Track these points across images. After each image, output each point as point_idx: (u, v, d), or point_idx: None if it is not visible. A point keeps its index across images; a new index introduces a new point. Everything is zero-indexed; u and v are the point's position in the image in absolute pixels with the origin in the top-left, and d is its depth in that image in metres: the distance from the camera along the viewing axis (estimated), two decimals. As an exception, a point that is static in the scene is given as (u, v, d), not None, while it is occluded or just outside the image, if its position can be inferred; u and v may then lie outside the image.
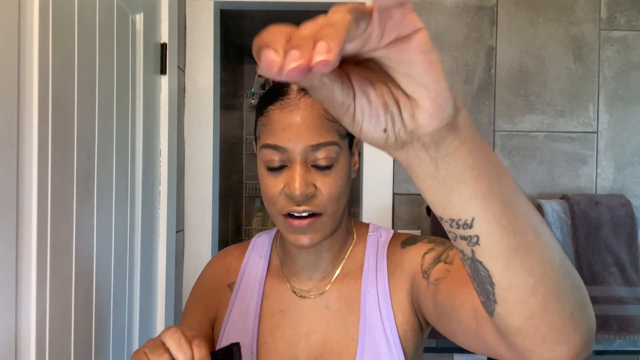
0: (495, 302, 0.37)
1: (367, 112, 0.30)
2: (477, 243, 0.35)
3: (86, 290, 0.86)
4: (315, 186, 0.62)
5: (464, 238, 0.35)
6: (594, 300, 1.29)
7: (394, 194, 1.46)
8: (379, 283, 0.70)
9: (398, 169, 1.47)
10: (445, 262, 0.60)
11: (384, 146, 0.32)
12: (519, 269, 0.35)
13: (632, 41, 1.47)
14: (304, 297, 0.72)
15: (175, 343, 0.51)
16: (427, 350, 1.41)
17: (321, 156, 0.61)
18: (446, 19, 1.47)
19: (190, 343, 0.52)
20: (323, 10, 1.93)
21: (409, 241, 0.71)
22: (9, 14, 0.63)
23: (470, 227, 0.34)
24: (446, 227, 0.36)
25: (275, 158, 0.62)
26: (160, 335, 0.53)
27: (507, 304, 0.37)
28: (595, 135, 1.47)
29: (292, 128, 0.61)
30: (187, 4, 1.47)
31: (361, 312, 0.68)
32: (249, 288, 0.75)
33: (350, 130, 0.31)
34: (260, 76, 3.14)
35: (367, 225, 0.78)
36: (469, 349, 0.52)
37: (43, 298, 0.71)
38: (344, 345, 0.68)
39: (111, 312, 0.97)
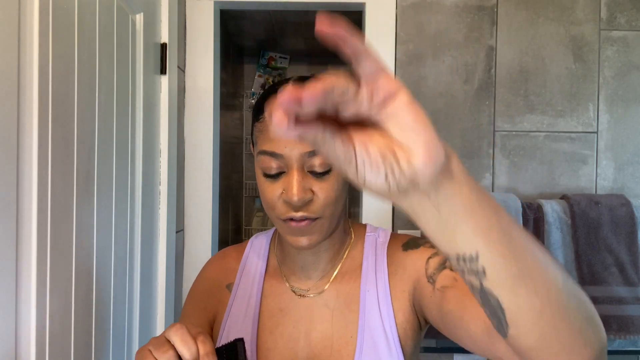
0: (507, 325, 0.39)
1: (367, 164, 0.33)
2: (483, 274, 0.37)
3: (86, 290, 0.86)
4: (312, 192, 0.63)
5: (471, 271, 0.38)
6: (594, 300, 1.29)
7: (394, 194, 1.46)
8: (379, 282, 0.70)
9: (398, 169, 1.46)
10: (451, 269, 0.62)
11: (388, 195, 0.34)
12: (525, 293, 0.37)
13: (632, 41, 1.47)
14: (303, 296, 0.73)
15: (180, 339, 0.51)
16: (427, 350, 1.41)
17: (317, 162, 0.62)
18: (446, 19, 1.47)
19: (195, 339, 0.52)
20: (323, 10, 1.93)
21: (411, 244, 0.72)
22: (9, 14, 0.63)
23: (476, 260, 0.37)
24: (454, 263, 0.38)
25: (273, 165, 0.63)
26: (164, 332, 0.53)
27: (518, 327, 0.39)
28: (595, 135, 1.47)
29: None
30: (187, 4, 1.47)
31: (360, 311, 0.69)
32: (248, 288, 0.76)
33: (356, 182, 0.34)
34: (260, 76, 3.15)
35: (364, 225, 0.79)
36: (475, 354, 0.54)
37: (43, 298, 0.71)
38: (344, 343, 0.68)
39: (111, 312, 0.97)
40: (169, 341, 0.52)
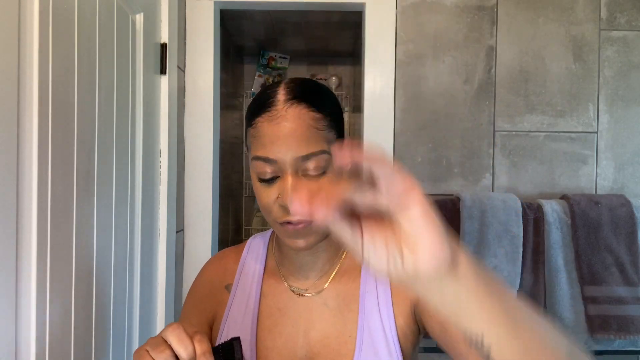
0: None
1: (372, 250, 0.35)
2: (489, 350, 0.39)
3: (86, 290, 0.86)
4: None
5: (477, 345, 0.40)
6: (594, 300, 1.29)
7: (394, 194, 1.46)
8: (380, 286, 0.71)
9: (398, 169, 1.47)
10: None
11: (392, 279, 0.36)
12: None
13: (632, 41, 1.47)
14: (301, 295, 0.73)
15: (176, 339, 0.51)
16: (428, 350, 1.41)
17: (311, 166, 0.62)
18: (446, 19, 1.47)
19: (191, 338, 0.52)
20: (323, 10, 1.91)
21: None
22: (9, 14, 0.63)
23: (482, 339, 0.39)
24: (461, 333, 0.40)
25: (267, 170, 0.63)
26: (161, 332, 0.53)
27: None
28: (595, 135, 1.47)
29: (280, 140, 0.61)
30: (187, 4, 1.47)
31: (360, 311, 0.69)
32: (247, 288, 0.76)
33: (360, 262, 0.35)
34: (260, 76, 3.15)
35: None
36: None
37: (43, 298, 0.71)
38: (342, 342, 0.69)
39: (111, 312, 0.97)
40: (166, 341, 0.52)
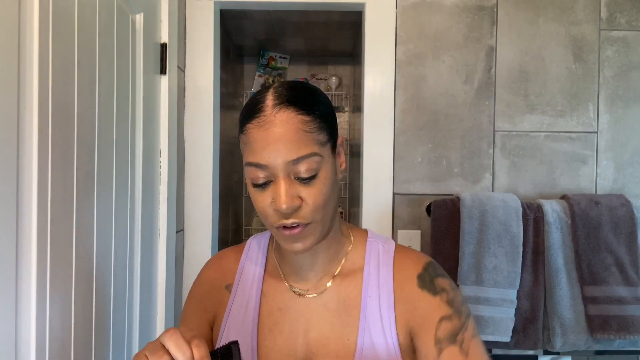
0: None
1: None
2: None
3: (86, 290, 0.86)
4: (300, 198, 0.63)
5: None
6: (594, 300, 1.29)
7: (394, 194, 1.46)
8: (382, 291, 0.71)
9: (398, 169, 1.47)
10: (461, 347, 0.64)
11: None
12: None
13: (632, 41, 1.47)
14: (302, 295, 0.73)
15: (174, 344, 0.52)
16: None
17: (302, 169, 0.62)
18: (446, 19, 1.47)
19: (189, 343, 0.52)
20: (323, 10, 1.91)
21: (427, 282, 0.71)
22: (9, 14, 0.63)
23: None
24: None
25: (260, 175, 0.63)
26: (159, 337, 0.53)
27: None
28: (595, 135, 1.47)
29: (270, 145, 0.62)
30: (187, 4, 1.47)
31: (361, 313, 0.69)
32: (247, 288, 0.76)
33: None
34: (260, 76, 3.15)
35: (365, 231, 0.79)
36: None
37: (43, 298, 0.71)
38: (341, 344, 0.69)
39: (111, 312, 0.97)
40: (164, 346, 0.52)
